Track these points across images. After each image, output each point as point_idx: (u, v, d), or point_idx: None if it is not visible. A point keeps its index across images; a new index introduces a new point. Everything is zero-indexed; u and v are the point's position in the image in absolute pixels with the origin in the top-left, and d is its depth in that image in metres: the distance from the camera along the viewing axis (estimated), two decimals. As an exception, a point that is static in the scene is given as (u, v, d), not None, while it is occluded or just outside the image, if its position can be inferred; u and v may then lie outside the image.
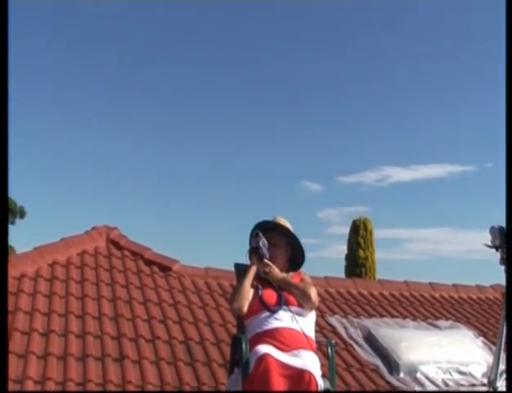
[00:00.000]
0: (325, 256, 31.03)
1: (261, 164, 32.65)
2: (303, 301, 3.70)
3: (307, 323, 3.66)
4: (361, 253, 19.41)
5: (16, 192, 27.79)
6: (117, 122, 32.57)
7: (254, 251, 3.75)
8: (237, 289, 3.78)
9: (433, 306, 8.59)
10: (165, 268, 7.97)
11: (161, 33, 30.23)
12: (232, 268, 4.19)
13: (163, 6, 27.82)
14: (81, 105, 32.30)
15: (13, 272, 6.98)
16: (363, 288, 8.83)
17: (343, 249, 20.00)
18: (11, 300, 6.45)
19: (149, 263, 8.02)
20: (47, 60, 30.57)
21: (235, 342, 3.81)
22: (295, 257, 3.96)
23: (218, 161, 33.35)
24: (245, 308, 3.68)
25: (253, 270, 3.76)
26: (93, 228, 8.49)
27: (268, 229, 3.85)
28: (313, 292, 3.75)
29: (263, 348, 3.38)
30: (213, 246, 31.43)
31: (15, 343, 5.65)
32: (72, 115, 32.45)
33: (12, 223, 28.15)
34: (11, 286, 6.75)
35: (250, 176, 33.31)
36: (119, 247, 8.26)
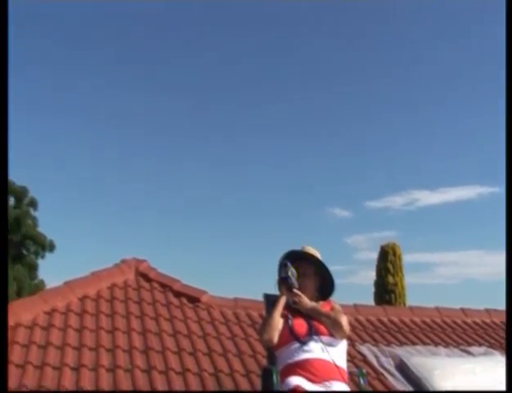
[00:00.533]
0: (354, 282, 30.79)
1: (287, 191, 32.70)
2: (334, 330, 3.66)
3: (338, 353, 3.62)
4: (390, 279, 19.18)
5: (46, 226, 28.12)
6: (139, 157, 32.96)
7: (283, 281, 3.74)
8: (267, 320, 3.75)
9: (465, 332, 8.46)
10: (194, 300, 7.98)
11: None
12: (261, 299, 4.18)
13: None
14: (105, 140, 32.75)
15: (44, 307, 7.06)
16: (393, 315, 8.73)
17: (372, 275, 19.81)
18: (42, 334, 6.51)
19: (178, 294, 8.04)
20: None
21: (266, 374, 3.77)
22: (324, 286, 3.93)
23: (244, 192, 33.47)
24: (275, 339, 3.65)
25: (282, 300, 3.74)
26: (122, 261, 8.55)
27: (297, 259, 3.83)
28: (344, 320, 3.70)
29: (294, 380, 3.35)
30: (242, 277, 31.39)
31: (47, 377, 5.68)
32: (97, 150, 32.90)
33: (42, 257, 28.42)
34: (42, 320, 6.81)
35: (277, 204, 33.33)
36: (147, 279, 8.30)
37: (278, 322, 3.67)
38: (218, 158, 33.24)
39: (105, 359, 6.15)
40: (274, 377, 3.59)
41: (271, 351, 3.81)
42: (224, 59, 30.11)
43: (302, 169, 32.42)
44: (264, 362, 4.75)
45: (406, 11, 28.27)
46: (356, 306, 8.63)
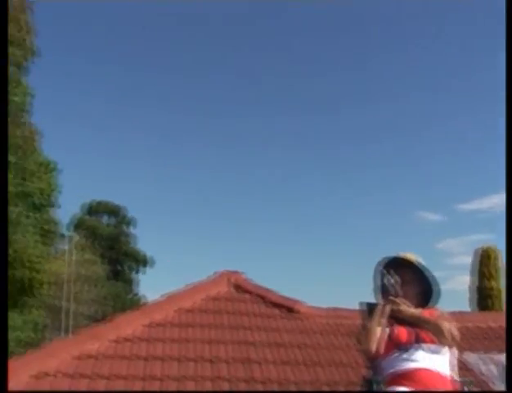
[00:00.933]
0: (449, 288, 30.00)
1: (376, 197, 32.38)
2: (438, 337, 3.52)
3: (442, 362, 3.48)
4: (489, 283, 18.59)
5: (146, 244, 29.24)
6: (236, 171, 33.54)
7: (382, 289, 3.66)
8: (366, 329, 3.66)
9: None
10: (290, 310, 7.96)
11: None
12: (357, 308, 4.10)
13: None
14: (195, 156, 33.44)
15: (144, 320, 7.23)
16: (493, 322, 8.42)
17: (467, 280, 19.27)
18: (143, 347, 6.66)
19: (273, 305, 8.05)
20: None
21: (367, 385, 3.69)
22: (426, 292, 3.80)
23: (336, 202, 33.45)
24: (374, 348, 3.57)
25: (382, 309, 3.64)
26: (216, 274, 8.65)
27: (395, 266, 3.74)
28: (448, 327, 3.54)
29: (398, 390, 3.27)
30: (338, 286, 31.28)
31: (151, 389, 5.80)
32: (186, 167, 33.67)
33: (137, 272, 29.30)
34: (142, 333, 6.98)
35: (366, 211, 33.09)
36: (242, 291, 8.36)
37: (377, 331, 3.58)
38: (307, 166, 33.38)
39: (207, 370, 6.23)
40: (375, 388, 3.51)
41: (372, 361, 3.73)
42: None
43: (390, 172, 32.07)
44: (365, 372, 4.66)
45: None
46: (454, 313, 8.37)
